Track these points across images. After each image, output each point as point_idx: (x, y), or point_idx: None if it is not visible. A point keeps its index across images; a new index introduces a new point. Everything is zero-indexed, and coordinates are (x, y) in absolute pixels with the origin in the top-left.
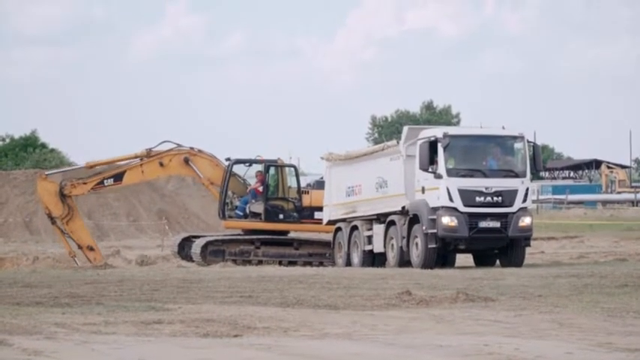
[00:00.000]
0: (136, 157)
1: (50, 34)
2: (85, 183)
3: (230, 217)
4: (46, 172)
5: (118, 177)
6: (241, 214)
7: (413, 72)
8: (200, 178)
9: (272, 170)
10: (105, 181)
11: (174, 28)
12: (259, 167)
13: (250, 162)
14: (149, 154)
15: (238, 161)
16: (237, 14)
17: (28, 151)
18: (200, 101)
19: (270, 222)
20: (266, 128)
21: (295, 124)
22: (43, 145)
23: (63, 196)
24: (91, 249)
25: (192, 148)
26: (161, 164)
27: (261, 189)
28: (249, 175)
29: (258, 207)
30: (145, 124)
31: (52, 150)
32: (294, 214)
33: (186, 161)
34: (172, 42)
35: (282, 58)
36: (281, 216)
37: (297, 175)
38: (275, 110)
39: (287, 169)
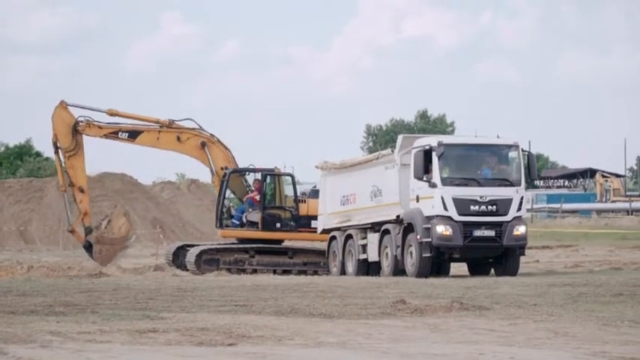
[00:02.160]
0: (157, 122)
1: (46, 42)
2: (100, 127)
3: (227, 226)
4: (68, 102)
5: (134, 134)
6: (238, 222)
7: (408, 81)
8: (211, 167)
9: (269, 179)
10: (120, 133)
11: (169, 37)
12: (257, 176)
13: (248, 171)
14: (170, 125)
15: (235, 170)
16: (232, 23)
17: (22, 160)
18: (195, 109)
19: (267, 231)
20: (260, 136)
21: (290, 133)
22: (38, 154)
23: (75, 131)
24: (82, 191)
25: (212, 135)
26: (178, 139)
27: (258, 198)
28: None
29: (255, 216)
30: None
31: (47, 158)
32: (292, 223)
33: (203, 145)
34: (168, 51)
35: (277, 67)
36: (278, 225)
37: (294, 184)
38: (270, 118)
39: (284, 177)
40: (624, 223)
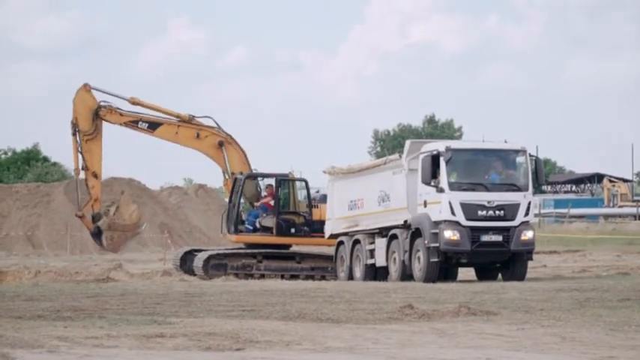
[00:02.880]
0: (177, 116)
1: (53, 47)
2: (121, 114)
3: (240, 231)
4: (92, 85)
5: (154, 126)
6: (251, 228)
7: (415, 86)
8: (226, 168)
9: (283, 184)
10: (140, 123)
11: (176, 43)
12: (269, 181)
13: (263, 176)
14: (190, 121)
15: (250, 175)
16: (239, 28)
17: (30, 165)
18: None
19: (281, 236)
20: (267, 141)
21: (297, 138)
22: (45, 159)
23: (96, 116)
24: (95, 176)
25: (229, 135)
26: (198, 135)
27: (272, 203)
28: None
29: (269, 221)
30: (149, 138)
31: (54, 163)
32: (305, 228)
33: (220, 145)
34: (175, 56)
35: (284, 72)
36: (292, 230)
37: (307, 190)
38: (277, 123)
39: (297, 183)
40: (632, 228)
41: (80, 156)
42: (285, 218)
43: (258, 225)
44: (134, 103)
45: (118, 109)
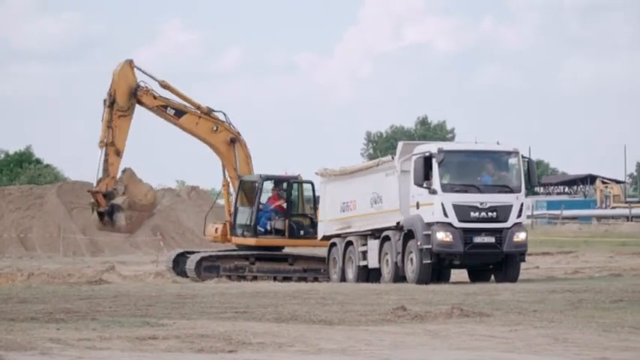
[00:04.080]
0: (198, 107)
1: (47, 49)
2: (155, 97)
3: (259, 233)
4: (135, 63)
5: (180, 113)
6: (263, 230)
7: (408, 87)
8: (235, 166)
9: (294, 187)
10: (168, 108)
11: (171, 45)
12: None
13: (279, 178)
14: (208, 113)
15: (268, 177)
16: (233, 30)
17: (22, 167)
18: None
19: (293, 238)
20: (261, 143)
21: (289, 139)
22: (38, 161)
23: (133, 95)
24: (118, 154)
25: (239, 133)
26: (214, 129)
27: (284, 205)
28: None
29: (281, 224)
30: (142, 141)
31: (47, 166)
32: (311, 229)
33: (232, 142)
34: (169, 59)
35: (277, 74)
36: (302, 232)
37: (313, 191)
38: (271, 125)
39: (304, 185)
40: (624, 230)
41: (108, 130)
42: (295, 220)
43: (269, 227)
44: (164, 86)
45: (153, 91)
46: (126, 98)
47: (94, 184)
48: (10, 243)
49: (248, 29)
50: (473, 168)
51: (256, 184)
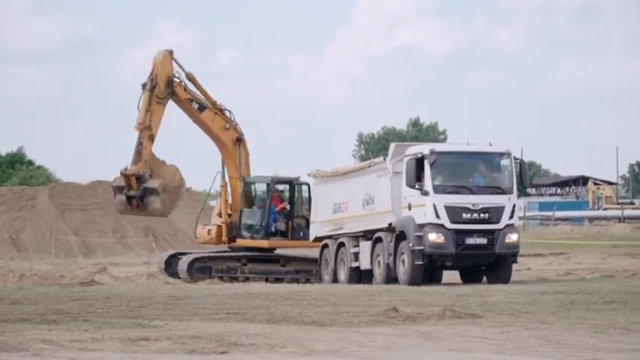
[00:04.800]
0: (214, 104)
1: (39, 51)
2: (185, 90)
3: (273, 234)
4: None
5: (201, 108)
6: (269, 232)
7: (400, 89)
8: (236, 168)
9: (297, 188)
10: (194, 102)
11: (164, 46)
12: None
13: (287, 180)
14: (222, 111)
15: (279, 180)
16: (226, 31)
17: (15, 168)
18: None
19: (295, 240)
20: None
21: (282, 140)
22: (30, 162)
23: (170, 84)
24: (151, 139)
25: (242, 134)
26: (227, 127)
27: (288, 207)
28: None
29: (284, 225)
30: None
31: (39, 167)
32: (308, 231)
33: (238, 141)
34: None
35: (269, 75)
36: (302, 233)
37: (309, 193)
38: (263, 126)
39: (302, 186)
40: (616, 231)
41: (147, 114)
42: (298, 222)
43: (273, 229)
44: (190, 78)
45: (185, 84)
46: (164, 86)
47: (127, 167)
48: (2, 244)
49: (240, 30)
50: (465, 169)
51: (268, 186)
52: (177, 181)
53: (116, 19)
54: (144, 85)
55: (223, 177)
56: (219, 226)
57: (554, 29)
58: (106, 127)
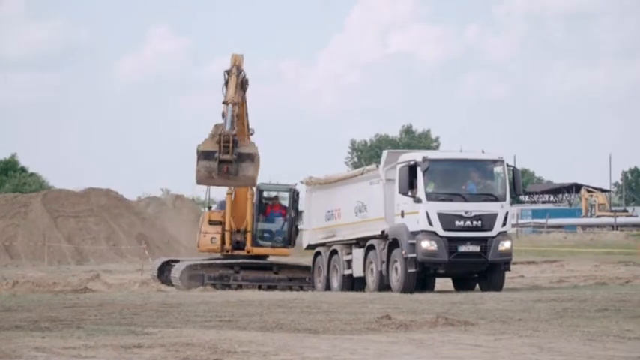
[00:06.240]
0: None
1: (31, 57)
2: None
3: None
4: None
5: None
6: (280, 239)
7: (392, 96)
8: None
9: (296, 196)
10: (237, 105)
11: (156, 53)
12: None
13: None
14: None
15: (295, 189)
16: (219, 38)
17: (8, 175)
18: (182, 124)
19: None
20: None
21: (274, 147)
22: (23, 169)
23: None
24: (239, 117)
25: None
26: (247, 133)
27: (292, 215)
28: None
29: (288, 233)
30: (127, 149)
31: (32, 174)
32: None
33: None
34: (154, 66)
35: (262, 81)
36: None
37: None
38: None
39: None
40: (609, 238)
41: (239, 91)
42: (296, 230)
43: (280, 238)
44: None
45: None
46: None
47: (225, 128)
48: None
49: (233, 37)
50: (458, 177)
51: (291, 194)
52: (254, 150)
53: (109, 25)
54: (228, 72)
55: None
56: (223, 235)
57: (548, 36)
58: (100, 134)
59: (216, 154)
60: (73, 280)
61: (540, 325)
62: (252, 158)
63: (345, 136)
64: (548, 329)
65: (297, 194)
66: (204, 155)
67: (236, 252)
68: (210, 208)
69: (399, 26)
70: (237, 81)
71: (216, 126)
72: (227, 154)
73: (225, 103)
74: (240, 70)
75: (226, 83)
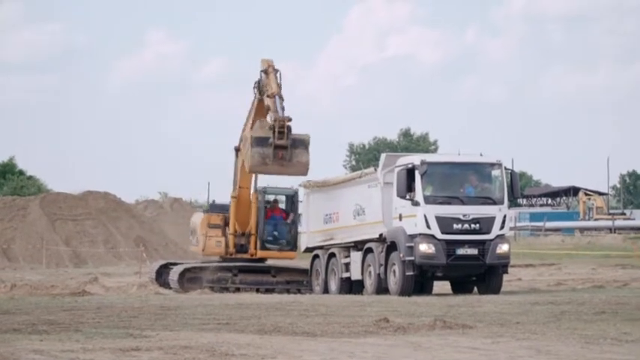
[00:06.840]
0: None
1: (29, 60)
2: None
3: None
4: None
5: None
6: (285, 242)
7: (391, 99)
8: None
9: (296, 198)
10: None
11: (154, 55)
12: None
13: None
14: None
15: (295, 193)
16: (216, 40)
17: (6, 178)
18: (179, 127)
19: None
20: None
21: None
22: (21, 172)
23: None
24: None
25: None
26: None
27: (294, 218)
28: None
29: (291, 236)
30: (124, 151)
31: (30, 177)
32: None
33: (236, 151)
34: (152, 69)
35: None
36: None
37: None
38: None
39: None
40: (607, 241)
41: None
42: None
43: (283, 241)
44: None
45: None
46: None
47: (278, 114)
48: None
49: (230, 40)
50: (456, 180)
51: (294, 197)
52: None
53: (106, 28)
54: (264, 71)
55: (234, 187)
56: (227, 238)
57: (546, 40)
58: (98, 137)
59: (270, 140)
60: (71, 283)
61: (538, 328)
62: (305, 144)
63: (343, 138)
64: (545, 332)
65: (297, 197)
66: (257, 141)
67: (239, 255)
68: (206, 211)
69: (397, 29)
70: (276, 76)
71: (261, 121)
72: (282, 140)
73: (269, 96)
74: (277, 70)
75: (258, 83)
